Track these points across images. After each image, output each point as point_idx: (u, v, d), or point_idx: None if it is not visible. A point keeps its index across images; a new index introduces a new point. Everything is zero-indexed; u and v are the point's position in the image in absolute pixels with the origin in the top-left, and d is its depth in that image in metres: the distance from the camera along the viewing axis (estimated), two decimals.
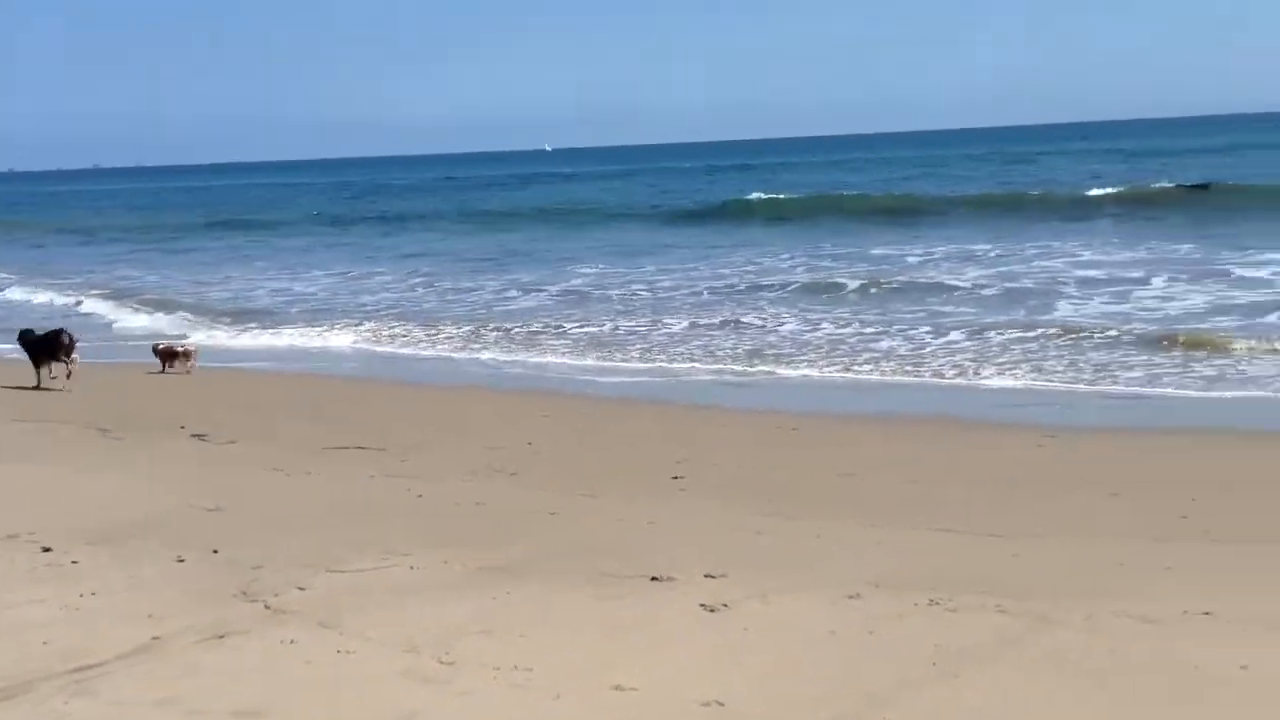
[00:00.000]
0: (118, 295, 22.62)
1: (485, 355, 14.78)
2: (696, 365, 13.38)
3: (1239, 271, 18.26)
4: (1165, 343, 12.80)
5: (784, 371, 12.77)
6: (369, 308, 20.07)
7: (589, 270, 24.09)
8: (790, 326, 15.67)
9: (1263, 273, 18.05)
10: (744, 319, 16.37)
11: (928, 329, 14.71)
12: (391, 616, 4.73)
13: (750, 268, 22.89)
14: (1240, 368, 11.67)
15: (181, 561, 5.52)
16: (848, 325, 15.40)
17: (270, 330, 17.73)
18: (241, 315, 19.53)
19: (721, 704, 3.92)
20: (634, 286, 20.86)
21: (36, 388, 12.05)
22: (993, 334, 14.00)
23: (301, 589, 5.08)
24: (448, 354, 15.11)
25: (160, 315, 19.83)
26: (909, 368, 12.57)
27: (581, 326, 16.53)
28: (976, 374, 11.97)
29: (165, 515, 6.45)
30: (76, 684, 4.05)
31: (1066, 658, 4.38)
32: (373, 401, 11.48)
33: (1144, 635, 4.62)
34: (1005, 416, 10.01)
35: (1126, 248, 22.56)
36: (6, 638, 4.50)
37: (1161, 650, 4.45)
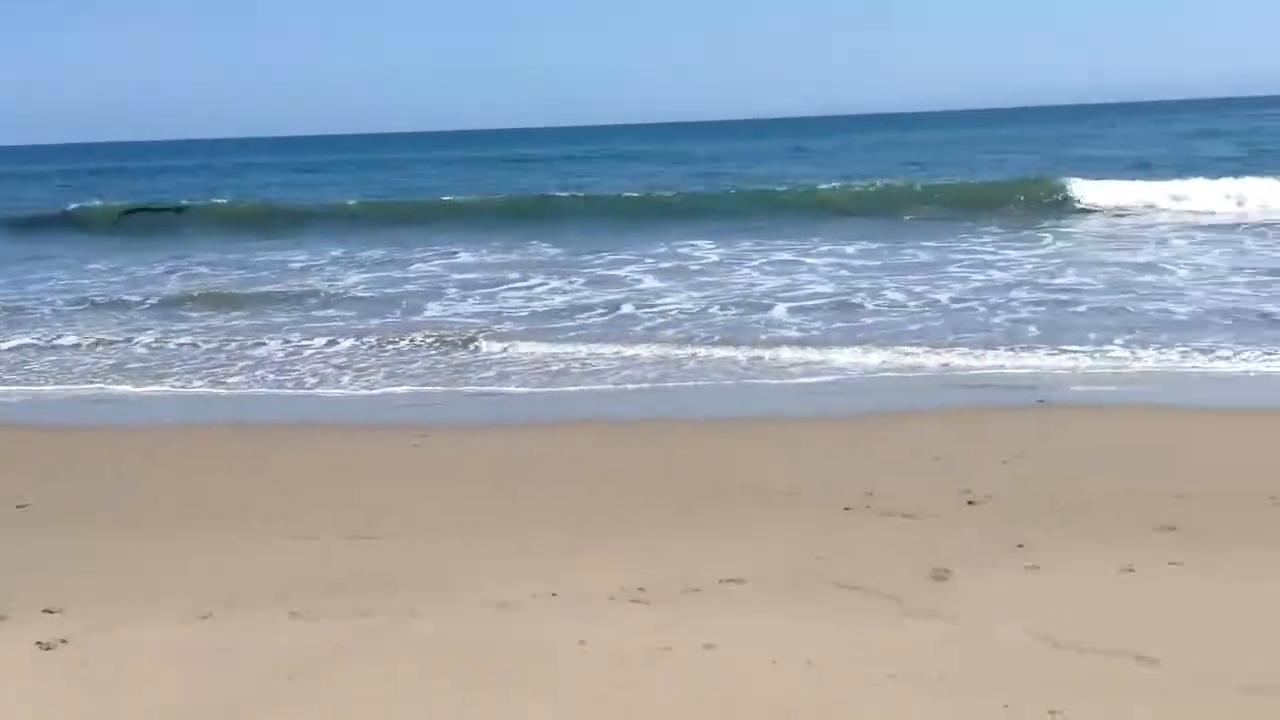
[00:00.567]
0: None
1: None
2: (60, 387, 12.27)
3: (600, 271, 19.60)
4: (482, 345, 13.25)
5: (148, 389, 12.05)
6: None
7: None
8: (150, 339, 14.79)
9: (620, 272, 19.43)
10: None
11: (300, 336, 14.51)
12: None
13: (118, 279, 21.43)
14: (574, 366, 12.33)
15: None
16: (210, 338, 14.73)
17: None
18: None
19: None
20: None
21: None
22: (359, 340, 14.00)
23: None
24: None
25: None
26: (273, 376, 12.30)
27: None
28: (344, 381, 11.94)
29: None
30: None
31: (425, 649, 4.52)
32: None
33: (496, 619, 4.87)
34: (379, 419, 10.13)
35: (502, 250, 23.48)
36: None
37: (511, 632, 4.72)
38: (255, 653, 4.42)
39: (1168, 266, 16.90)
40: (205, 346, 14.11)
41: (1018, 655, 4.38)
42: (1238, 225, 21.93)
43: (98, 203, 39.05)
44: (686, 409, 9.90)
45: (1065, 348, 11.44)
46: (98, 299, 18.67)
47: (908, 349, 11.76)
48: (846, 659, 4.37)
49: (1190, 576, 5.19)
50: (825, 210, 28.17)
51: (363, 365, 12.59)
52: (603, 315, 15.17)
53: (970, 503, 6.54)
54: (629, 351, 12.54)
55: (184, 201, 38.64)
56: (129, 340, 14.81)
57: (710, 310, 14.94)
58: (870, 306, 14.56)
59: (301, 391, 11.49)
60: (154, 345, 14.43)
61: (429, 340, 13.69)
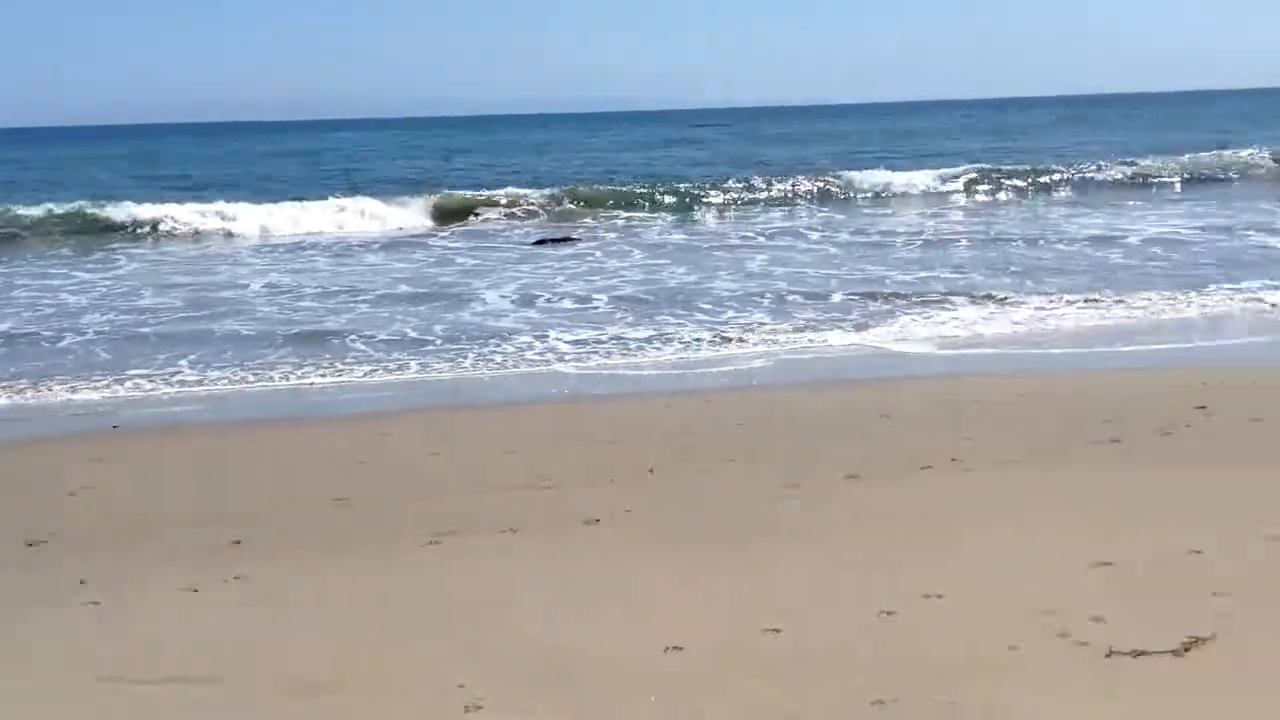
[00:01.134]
0: None
1: None
2: None
3: None
4: None
5: None
6: None
7: None
8: None
9: None
10: None
11: None
12: None
13: None
14: None
15: None
16: None
17: None
18: None
19: None
20: None
21: None
22: None
23: None
24: None
25: None
26: None
27: None
28: None
29: None
30: None
31: None
32: None
33: None
34: None
35: None
36: None
37: None
38: None
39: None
40: None
41: (90, 705, 4.12)
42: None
43: None
44: None
45: (135, 372, 11.22)
46: None
47: None
48: None
49: (252, 587, 5.29)
50: None
51: None
52: None
53: (29, 544, 6.11)
54: None
55: None
56: None
57: None
58: None
59: None
60: None
61: None
